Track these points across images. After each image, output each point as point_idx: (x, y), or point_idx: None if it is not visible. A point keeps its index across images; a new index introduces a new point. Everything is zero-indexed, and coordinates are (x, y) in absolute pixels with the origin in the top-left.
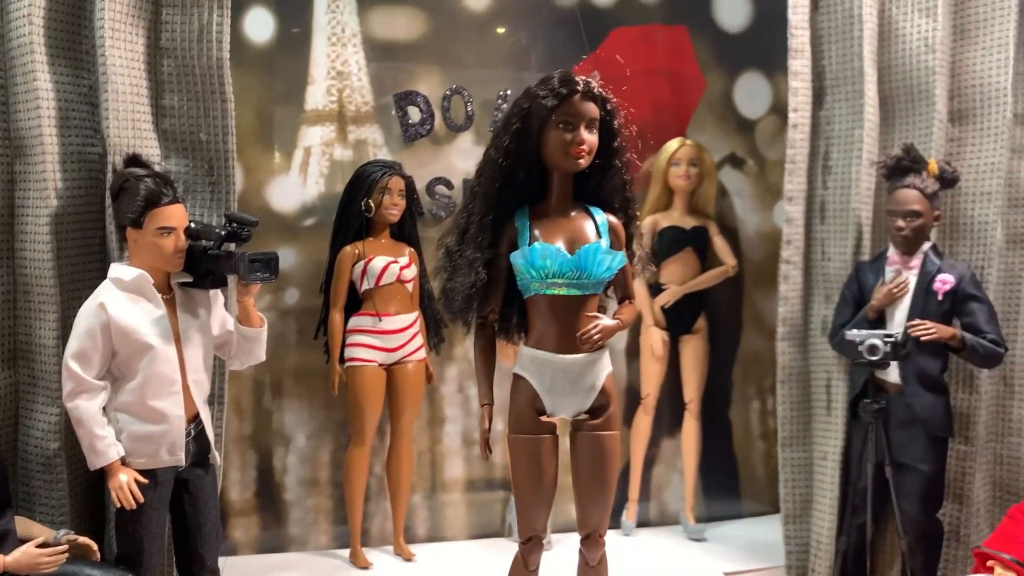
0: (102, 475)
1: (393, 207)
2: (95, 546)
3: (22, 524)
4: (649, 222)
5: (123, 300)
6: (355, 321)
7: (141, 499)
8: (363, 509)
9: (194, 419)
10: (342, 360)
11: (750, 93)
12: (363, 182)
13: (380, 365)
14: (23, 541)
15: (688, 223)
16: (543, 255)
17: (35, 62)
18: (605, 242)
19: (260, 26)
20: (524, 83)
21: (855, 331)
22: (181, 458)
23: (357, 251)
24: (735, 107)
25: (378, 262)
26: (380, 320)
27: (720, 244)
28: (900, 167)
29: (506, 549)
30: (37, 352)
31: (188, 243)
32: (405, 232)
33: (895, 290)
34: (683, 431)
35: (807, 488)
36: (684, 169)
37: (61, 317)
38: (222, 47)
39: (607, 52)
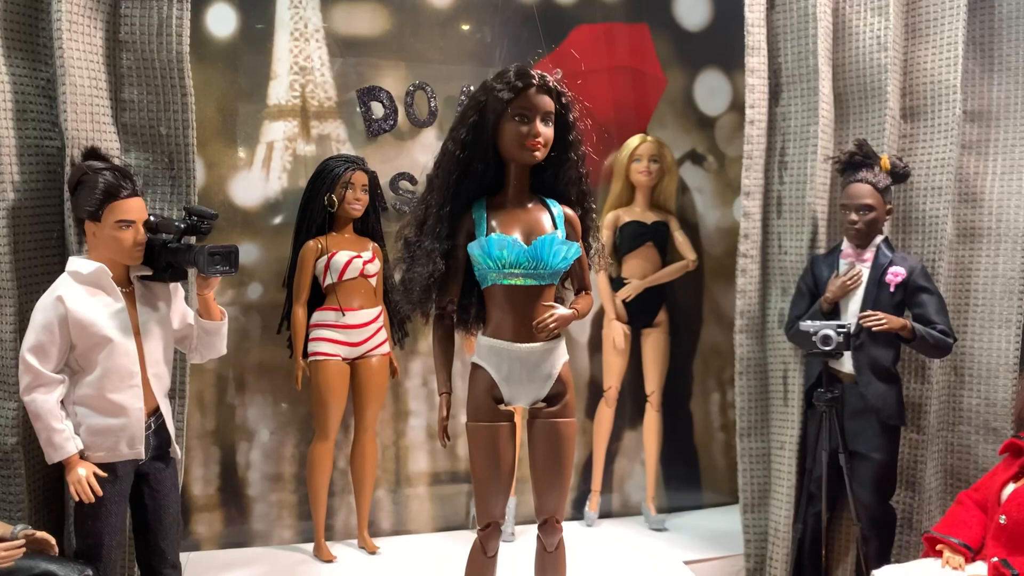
0: (61, 469)
1: (356, 202)
2: (53, 540)
3: None
4: (611, 217)
5: (81, 293)
6: (318, 316)
7: (100, 493)
8: (327, 504)
9: (154, 412)
10: (305, 355)
11: (710, 90)
12: (326, 177)
13: (344, 360)
14: None
15: (649, 218)
16: (500, 246)
17: None
18: (561, 233)
19: (222, 21)
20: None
21: (809, 322)
22: (141, 451)
23: (320, 246)
24: (695, 104)
25: (341, 257)
26: (344, 315)
27: (681, 239)
28: (853, 162)
29: (471, 541)
30: None
31: (147, 236)
32: (369, 227)
33: (848, 282)
34: (644, 423)
35: (765, 477)
36: (645, 165)
37: (19, 311)
38: (182, 40)
39: (568, 50)
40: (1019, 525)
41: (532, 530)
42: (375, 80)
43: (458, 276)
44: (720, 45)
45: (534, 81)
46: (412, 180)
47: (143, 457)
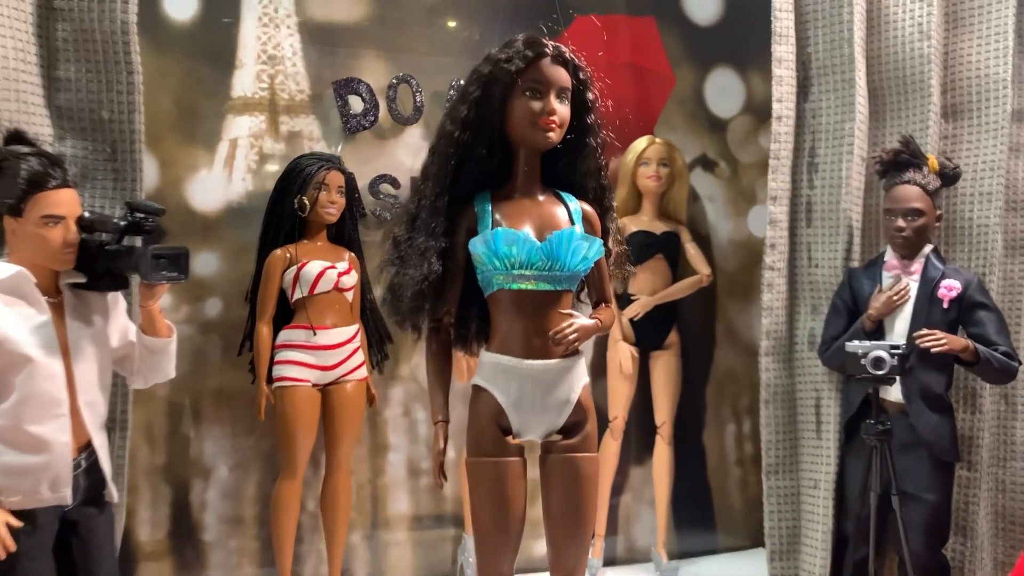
0: None
1: (331, 205)
2: None
3: None
4: None
5: None
6: (286, 335)
7: (13, 547)
8: (294, 550)
9: (85, 448)
10: (270, 380)
11: (722, 90)
12: (296, 177)
13: (314, 385)
14: None
15: (658, 228)
16: (508, 241)
17: None
18: (580, 228)
19: (181, 2)
20: None
21: (856, 342)
22: (67, 495)
23: (289, 255)
24: (706, 105)
25: (312, 267)
26: (315, 334)
27: (693, 251)
28: (898, 162)
29: None
30: None
31: (81, 236)
32: (344, 235)
33: (895, 297)
34: (654, 458)
35: (795, 520)
36: (654, 169)
37: None
38: (128, 8)
39: (565, 43)
40: None
41: None
42: (354, 71)
43: (457, 280)
44: (733, 41)
45: (547, 51)
46: (395, 183)
47: (69, 502)
